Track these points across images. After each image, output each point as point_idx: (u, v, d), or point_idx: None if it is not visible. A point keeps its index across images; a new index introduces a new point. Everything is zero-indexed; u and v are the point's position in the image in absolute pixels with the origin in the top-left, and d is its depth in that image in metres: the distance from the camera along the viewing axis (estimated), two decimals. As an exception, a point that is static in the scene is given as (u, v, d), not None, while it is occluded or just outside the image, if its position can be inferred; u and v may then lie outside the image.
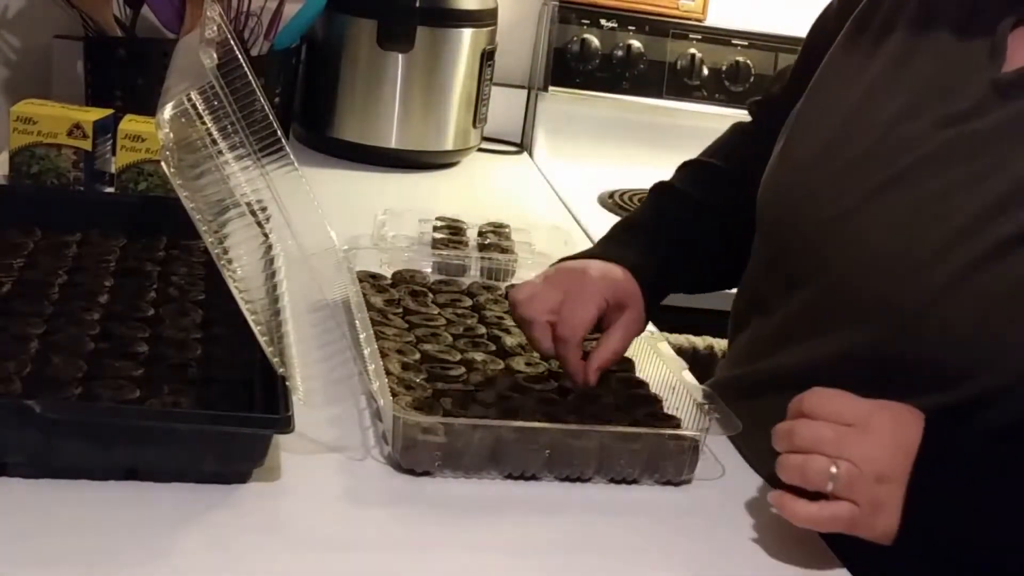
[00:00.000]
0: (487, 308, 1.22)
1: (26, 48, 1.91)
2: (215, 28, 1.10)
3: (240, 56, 1.19)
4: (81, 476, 0.85)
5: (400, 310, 1.19)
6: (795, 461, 0.87)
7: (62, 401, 0.91)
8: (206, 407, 0.94)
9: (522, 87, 2.12)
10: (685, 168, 1.26)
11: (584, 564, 0.88)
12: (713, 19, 2.10)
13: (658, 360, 1.13)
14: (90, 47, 1.71)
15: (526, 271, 1.36)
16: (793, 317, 1.04)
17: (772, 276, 1.09)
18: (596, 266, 1.07)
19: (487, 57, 1.87)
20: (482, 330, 1.16)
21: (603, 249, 1.14)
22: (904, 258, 0.94)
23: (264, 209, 1.20)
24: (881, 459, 0.86)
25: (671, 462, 0.99)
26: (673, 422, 1.03)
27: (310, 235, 1.23)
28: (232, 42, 1.19)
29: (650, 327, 1.25)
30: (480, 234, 1.46)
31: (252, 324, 0.91)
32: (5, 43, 1.90)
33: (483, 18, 1.86)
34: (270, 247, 1.20)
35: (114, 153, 1.44)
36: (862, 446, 0.86)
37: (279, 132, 1.22)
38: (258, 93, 1.19)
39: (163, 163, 0.87)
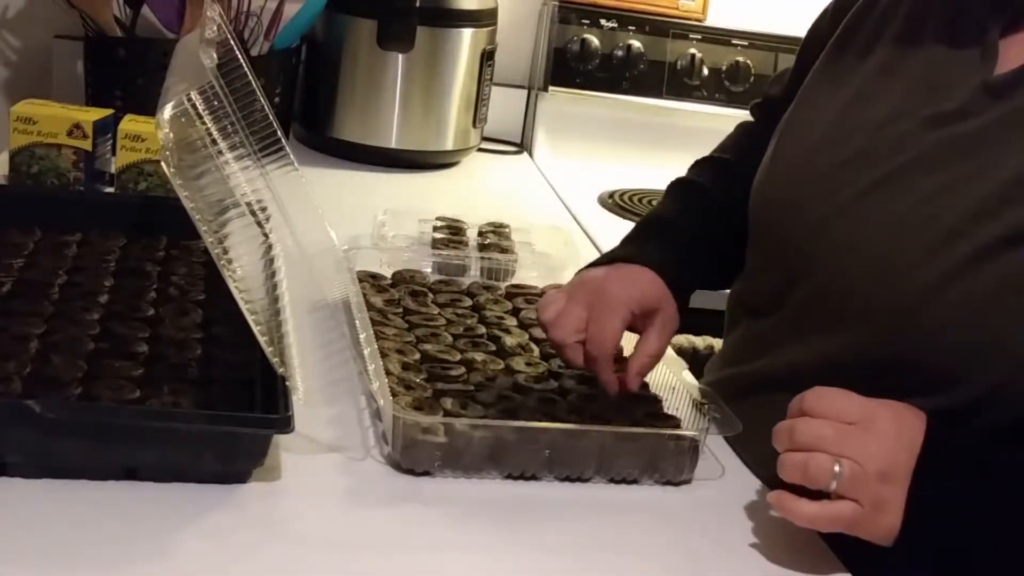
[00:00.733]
0: (487, 308, 1.22)
1: (26, 48, 1.91)
2: (215, 28, 1.10)
3: (240, 56, 1.19)
4: (81, 476, 0.85)
5: (400, 310, 1.19)
6: (797, 459, 0.86)
7: (62, 401, 0.91)
8: (206, 407, 0.94)
9: (522, 87, 2.12)
10: (700, 164, 1.25)
11: (585, 564, 0.88)
12: (713, 19, 2.10)
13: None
14: (90, 47, 1.71)
15: (526, 271, 1.37)
16: (784, 318, 1.05)
17: (763, 278, 1.09)
18: (618, 275, 1.05)
19: (487, 57, 1.87)
20: (482, 330, 1.16)
21: (626, 250, 1.12)
22: (893, 260, 0.94)
23: (264, 209, 1.20)
24: (883, 458, 0.85)
25: (671, 462, 0.99)
26: (673, 422, 1.03)
27: (310, 235, 1.23)
28: (232, 42, 1.19)
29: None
30: (480, 234, 1.46)
31: (252, 324, 0.91)
32: (5, 43, 1.90)
33: (483, 18, 1.86)
34: (270, 247, 1.20)
35: (114, 153, 1.44)
36: (864, 445, 0.85)
37: (279, 132, 1.22)
38: (258, 93, 1.19)
39: (163, 163, 0.87)
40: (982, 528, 0.86)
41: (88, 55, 1.71)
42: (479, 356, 1.10)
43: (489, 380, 1.05)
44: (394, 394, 0.98)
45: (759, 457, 1.02)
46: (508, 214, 1.54)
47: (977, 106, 0.94)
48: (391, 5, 1.79)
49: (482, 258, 1.37)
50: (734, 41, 2.09)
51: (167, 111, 0.90)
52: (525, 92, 2.11)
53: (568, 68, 2.04)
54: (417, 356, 1.08)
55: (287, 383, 0.91)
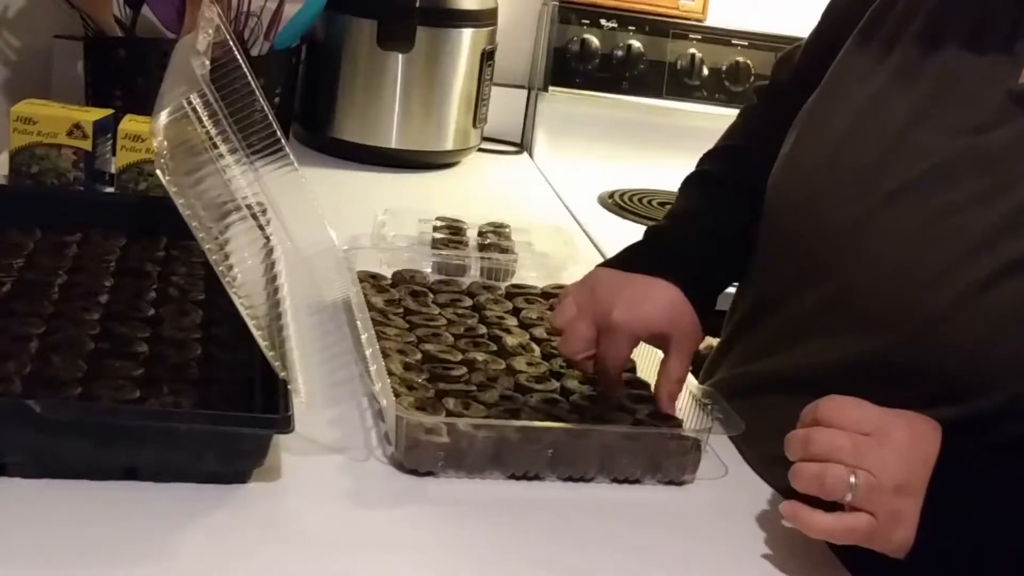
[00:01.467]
0: (487, 308, 1.22)
1: (26, 48, 1.90)
2: (211, 31, 1.10)
3: (240, 56, 1.19)
4: (81, 476, 0.85)
5: (401, 310, 1.19)
6: (812, 470, 0.84)
7: (62, 401, 0.90)
8: (206, 407, 0.94)
9: (522, 87, 2.11)
10: (709, 156, 1.22)
11: (586, 564, 0.87)
12: (713, 19, 2.10)
13: (659, 360, 1.13)
14: (90, 47, 1.71)
15: (526, 271, 1.36)
16: (792, 320, 1.03)
17: (771, 277, 1.08)
18: (626, 298, 1.00)
19: (487, 57, 1.86)
20: (483, 330, 1.16)
21: (646, 255, 1.10)
22: (913, 273, 0.92)
23: (264, 211, 1.20)
24: (899, 470, 0.84)
25: (673, 462, 0.98)
26: (675, 422, 1.02)
27: (310, 235, 1.23)
28: (232, 43, 1.19)
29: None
30: (480, 234, 1.46)
31: (253, 329, 0.91)
32: (5, 43, 1.90)
33: (483, 18, 1.85)
34: (271, 249, 1.20)
35: (114, 153, 1.43)
36: (880, 456, 0.84)
37: (279, 133, 1.22)
38: (258, 94, 1.19)
39: (158, 171, 0.86)
40: (996, 543, 0.85)
41: (88, 55, 1.71)
42: (480, 356, 1.09)
43: (491, 380, 1.05)
44: (396, 395, 0.98)
45: (762, 457, 1.02)
46: (508, 214, 1.54)
47: (1002, 116, 0.92)
48: (391, 5, 1.79)
49: (482, 258, 1.37)
50: (734, 41, 2.08)
51: (163, 117, 0.89)
52: (525, 92, 2.11)
53: (568, 68, 2.04)
54: (419, 356, 1.08)
55: (289, 387, 0.90)
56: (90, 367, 0.97)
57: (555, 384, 1.06)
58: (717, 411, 1.01)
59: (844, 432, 0.85)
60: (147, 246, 1.26)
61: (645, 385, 1.09)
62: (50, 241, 1.24)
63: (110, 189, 1.45)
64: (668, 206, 1.24)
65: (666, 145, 2.03)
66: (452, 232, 1.44)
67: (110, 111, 1.48)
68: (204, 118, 0.96)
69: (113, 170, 1.43)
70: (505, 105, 2.06)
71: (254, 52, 1.76)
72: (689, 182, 1.21)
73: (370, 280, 1.25)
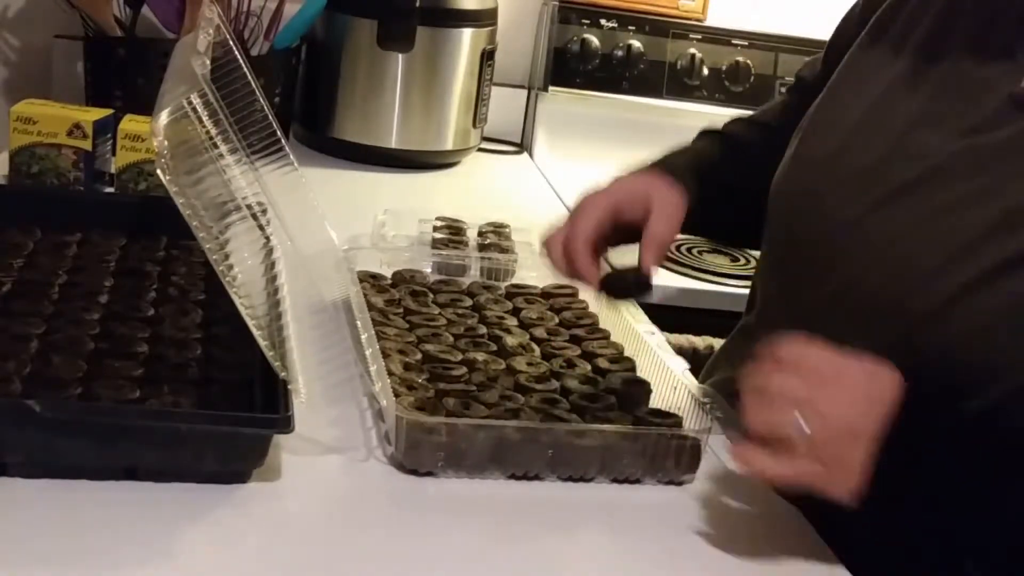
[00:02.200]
0: (487, 308, 1.22)
1: (26, 48, 1.91)
2: (211, 30, 1.10)
3: (240, 56, 1.19)
4: (81, 476, 0.85)
5: (401, 310, 1.19)
6: (765, 412, 0.85)
7: (62, 401, 0.90)
8: (206, 407, 0.94)
9: (522, 87, 2.11)
10: (736, 121, 1.25)
11: (587, 564, 0.87)
12: (713, 19, 2.10)
13: (659, 360, 1.13)
14: (90, 47, 1.71)
15: (526, 271, 1.36)
16: (796, 319, 1.03)
17: (780, 275, 1.09)
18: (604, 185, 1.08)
19: (487, 57, 1.86)
20: (483, 330, 1.16)
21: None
22: (911, 268, 0.93)
23: (264, 211, 1.20)
24: (851, 416, 0.84)
25: (673, 461, 0.98)
26: (675, 422, 1.02)
27: (310, 235, 1.23)
28: (232, 43, 1.19)
29: (651, 327, 1.26)
30: (480, 234, 1.46)
31: (253, 329, 0.91)
32: (5, 43, 1.90)
33: (483, 18, 1.86)
34: (271, 249, 1.20)
35: (114, 153, 1.43)
36: (834, 401, 0.84)
37: (279, 132, 1.22)
38: (258, 94, 1.19)
39: (159, 171, 0.86)
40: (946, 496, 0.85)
41: (88, 55, 1.71)
42: (480, 356, 1.09)
43: (491, 380, 1.05)
44: (397, 395, 0.98)
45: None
46: (508, 214, 1.54)
47: (1003, 118, 0.93)
48: (391, 5, 1.79)
49: (482, 258, 1.37)
50: (734, 41, 2.08)
51: (163, 117, 0.89)
52: (525, 92, 2.11)
53: (568, 68, 2.04)
54: (419, 356, 1.08)
55: (289, 387, 0.90)
56: (90, 367, 0.97)
57: (555, 384, 1.06)
58: (717, 410, 1.01)
59: (800, 376, 0.85)
60: (147, 246, 1.26)
61: (645, 384, 1.09)
62: (50, 241, 1.24)
63: (110, 189, 1.45)
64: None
65: (666, 145, 2.02)
66: (452, 232, 1.44)
67: (110, 111, 1.48)
68: (204, 118, 0.96)
69: (113, 170, 1.44)
70: (505, 105, 2.06)
71: (254, 52, 1.76)
72: (703, 133, 1.24)
73: (370, 280, 1.25)
